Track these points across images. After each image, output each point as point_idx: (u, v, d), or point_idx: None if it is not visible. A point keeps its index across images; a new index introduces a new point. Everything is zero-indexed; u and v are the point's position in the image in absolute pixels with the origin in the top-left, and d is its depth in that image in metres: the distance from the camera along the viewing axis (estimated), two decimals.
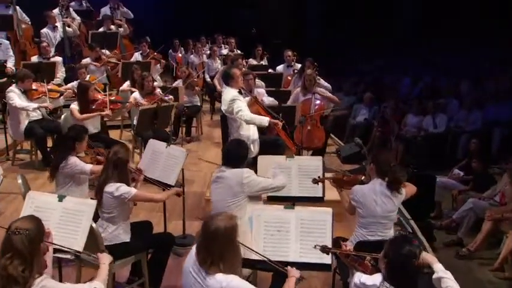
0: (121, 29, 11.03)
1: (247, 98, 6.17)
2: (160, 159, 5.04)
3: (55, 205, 3.77)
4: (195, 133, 9.12)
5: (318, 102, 7.36)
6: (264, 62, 10.76)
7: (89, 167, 4.79)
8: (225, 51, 11.48)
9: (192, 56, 11.91)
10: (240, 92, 5.98)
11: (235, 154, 4.30)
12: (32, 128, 7.14)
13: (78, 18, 11.16)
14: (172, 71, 12.08)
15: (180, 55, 12.61)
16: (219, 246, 2.81)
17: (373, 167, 4.21)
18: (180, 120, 8.72)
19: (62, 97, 7.72)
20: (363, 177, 4.34)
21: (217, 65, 10.61)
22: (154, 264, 4.38)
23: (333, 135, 9.47)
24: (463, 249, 6.46)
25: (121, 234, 4.19)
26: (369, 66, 15.29)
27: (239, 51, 11.49)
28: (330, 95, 7.55)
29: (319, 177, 4.46)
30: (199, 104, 9.07)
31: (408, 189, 4.36)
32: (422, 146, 9.36)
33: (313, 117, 7.21)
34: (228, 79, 5.92)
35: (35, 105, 7.10)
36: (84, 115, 6.61)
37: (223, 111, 5.95)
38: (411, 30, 15.63)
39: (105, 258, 3.36)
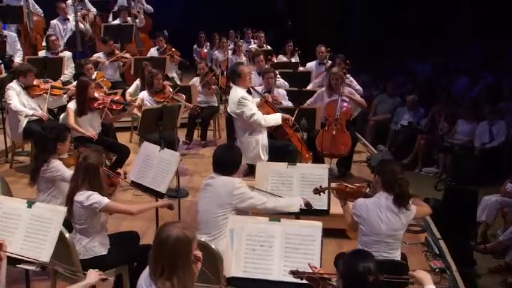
0: (137, 20, 11.29)
1: (257, 99, 6.23)
2: (153, 164, 5.15)
3: (23, 211, 3.90)
4: (212, 137, 9.23)
5: (345, 104, 7.33)
6: (295, 59, 10.80)
7: (69, 173, 4.76)
8: (253, 47, 11.56)
9: (216, 52, 12.08)
10: (248, 92, 6.05)
11: (227, 160, 4.36)
12: (30, 129, 7.34)
13: (94, 9, 11.50)
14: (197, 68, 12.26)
15: (205, 50, 12.79)
16: (168, 256, 2.81)
17: (378, 178, 4.18)
18: (195, 122, 8.89)
19: (65, 95, 7.95)
20: (367, 190, 4.31)
21: (243, 61, 10.69)
22: (137, 278, 4.45)
23: (366, 142, 9.42)
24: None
25: (96, 247, 4.28)
26: (423, 66, 15.08)
27: (269, 47, 11.58)
28: (358, 97, 7.51)
29: (320, 187, 4.47)
30: (216, 105, 9.16)
31: (420, 209, 4.30)
32: (470, 157, 9.12)
33: (339, 121, 7.19)
34: (235, 77, 6.01)
35: (29, 112, 7.30)
36: (74, 126, 6.74)
37: (229, 111, 6.03)
38: (470, 28, 15.34)
39: (90, 277, 3.42)
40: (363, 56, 15.41)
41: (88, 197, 4.17)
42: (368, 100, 11.60)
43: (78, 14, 10.89)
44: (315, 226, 3.67)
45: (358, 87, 8.38)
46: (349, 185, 4.46)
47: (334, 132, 7.12)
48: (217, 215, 4.17)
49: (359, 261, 2.90)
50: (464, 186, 7.03)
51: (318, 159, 7.15)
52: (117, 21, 11.11)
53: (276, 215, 4.02)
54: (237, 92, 5.90)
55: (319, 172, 4.74)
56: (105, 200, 4.20)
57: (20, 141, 7.74)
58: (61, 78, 9.07)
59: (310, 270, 3.28)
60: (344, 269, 2.91)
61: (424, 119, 10.72)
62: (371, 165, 7.81)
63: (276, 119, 6.04)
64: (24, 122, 7.43)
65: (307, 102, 7.51)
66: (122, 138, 8.51)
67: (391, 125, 11.01)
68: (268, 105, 6.31)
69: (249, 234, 3.70)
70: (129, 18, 11.18)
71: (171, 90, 7.73)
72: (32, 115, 7.36)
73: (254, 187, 4.63)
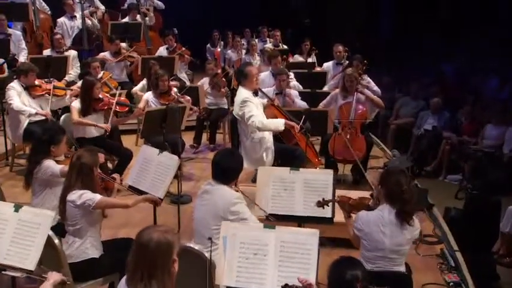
0: (147, 19, 11.40)
1: (264, 100, 6.26)
2: (151, 168, 5.19)
3: (10, 216, 3.95)
4: (221, 140, 9.27)
5: (360, 106, 7.31)
6: (312, 59, 10.83)
7: (60, 167, 4.89)
8: (268, 46, 11.57)
9: (229, 51, 12.16)
10: (255, 94, 6.08)
11: (226, 167, 4.32)
12: (31, 130, 7.45)
13: (102, 7, 11.66)
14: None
15: (219, 50, 12.86)
16: (149, 261, 2.85)
17: (381, 189, 4.15)
18: (204, 125, 8.94)
19: (68, 96, 8.05)
20: (370, 202, 4.29)
21: (256, 61, 10.75)
22: None
23: (384, 147, 9.38)
24: None
25: (88, 248, 4.35)
26: (452, 66, 14.95)
27: (285, 46, 11.61)
28: (375, 96, 7.49)
29: (323, 199, 4.44)
30: (226, 107, 9.19)
31: None
32: (497, 164, 9.01)
33: (353, 124, 7.18)
34: (241, 78, 6.06)
35: (33, 111, 7.43)
36: (81, 120, 6.89)
37: (234, 114, 6.08)
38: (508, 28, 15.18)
39: (52, 276, 3.54)
40: (392, 56, 15.39)
41: (80, 195, 4.25)
42: (389, 103, 11.69)
43: (86, 11, 11.05)
44: (312, 234, 3.66)
45: (376, 88, 8.37)
46: (352, 197, 4.45)
47: (348, 136, 7.10)
48: (213, 228, 4.13)
49: (346, 268, 2.94)
50: (487, 195, 6.97)
51: (330, 164, 7.16)
52: (126, 20, 11.21)
53: (270, 222, 4.03)
54: (242, 93, 5.96)
55: (323, 178, 4.72)
56: (97, 197, 4.28)
57: (20, 143, 7.85)
58: (66, 78, 9.19)
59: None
60: (331, 277, 2.96)
61: (449, 123, 10.62)
62: None
63: (276, 124, 6.02)
64: (25, 123, 7.56)
65: (321, 104, 7.52)
66: (128, 141, 8.57)
67: (414, 129, 10.93)
68: (275, 108, 6.34)
69: (242, 241, 3.70)
70: (138, 16, 11.27)
71: (176, 91, 7.77)
72: (36, 114, 7.47)
73: (255, 203, 4.62)
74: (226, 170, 4.33)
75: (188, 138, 8.96)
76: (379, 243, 4.00)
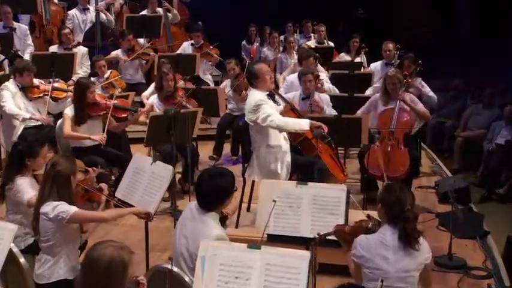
0: (169, 14, 11.65)
1: (280, 107, 6.33)
2: (143, 179, 5.34)
3: None
4: None
5: (404, 114, 7.27)
6: (361, 58, 10.84)
7: (28, 196, 4.95)
8: (309, 44, 11.62)
9: (265, 49, 12.31)
10: (271, 96, 6.16)
11: (206, 190, 4.29)
12: (25, 137, 7.75)
13: None
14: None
15: (255, 47, 13.03)
16: (100, 280, 2.96)
17: (381, 209, 4.20)
18: (225, 134, 9.05)
19: (69, 99, 8.31)
20: (369, 224, 4.31)
21: (294, 61, 10.82)
22: None
23: (440, 163, 9.30)
24: None
25: (61, 268, 4.48)
26: None
27: (330, 43, 11.67)
28: (420, 107, 7.42)
29: (319, 234, 4.44)
30: None
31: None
32: None
33: (395, 135, 7.16)
34: (252, 79, 6.14)
35: (27, 115, 7.71)
36: (72, 133, 7.07)
37: (246, 119, 6.15)
38: None
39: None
40: (470, 58, 15.23)
41: (54, 207, 4.37)
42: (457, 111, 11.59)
43: (102, 2, 11.39)
44: (301, 256, 3.72)
45: (432, 94, 8.35)
46: (347, 224, 4.49)
47: (388, 149, 7.08)
48: (192, 267, 4.12)
49: None
50: None
51: (366, 181, 7.19)
52: (144, 12, 11.51)
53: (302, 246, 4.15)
54: (254, 96, 5.98)
55: (335, 194, 4.76)
56: (72, 209, 4.38)
57: None
58: (73, 78, 9.47)
59: None
60: None
61: None
62: (439, 192, 7.72)
63: (300, 124, 5.98)
64: (20, 128, 7.86)
65: (358, 112, 7.52)
66: (139, 151, 8.73)
67: (485, 143, 10.76)
68: (294, 113, 6.40)
69: (222, 263, 3.80)
70: (160, 10, 11.54)
71: (184, 94, 7.86)
72: (30, 118, 7.75)
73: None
74: (208, 195, 4.29)
75: (208, 148, 9.13)
76: (382, 271, 4.02)
